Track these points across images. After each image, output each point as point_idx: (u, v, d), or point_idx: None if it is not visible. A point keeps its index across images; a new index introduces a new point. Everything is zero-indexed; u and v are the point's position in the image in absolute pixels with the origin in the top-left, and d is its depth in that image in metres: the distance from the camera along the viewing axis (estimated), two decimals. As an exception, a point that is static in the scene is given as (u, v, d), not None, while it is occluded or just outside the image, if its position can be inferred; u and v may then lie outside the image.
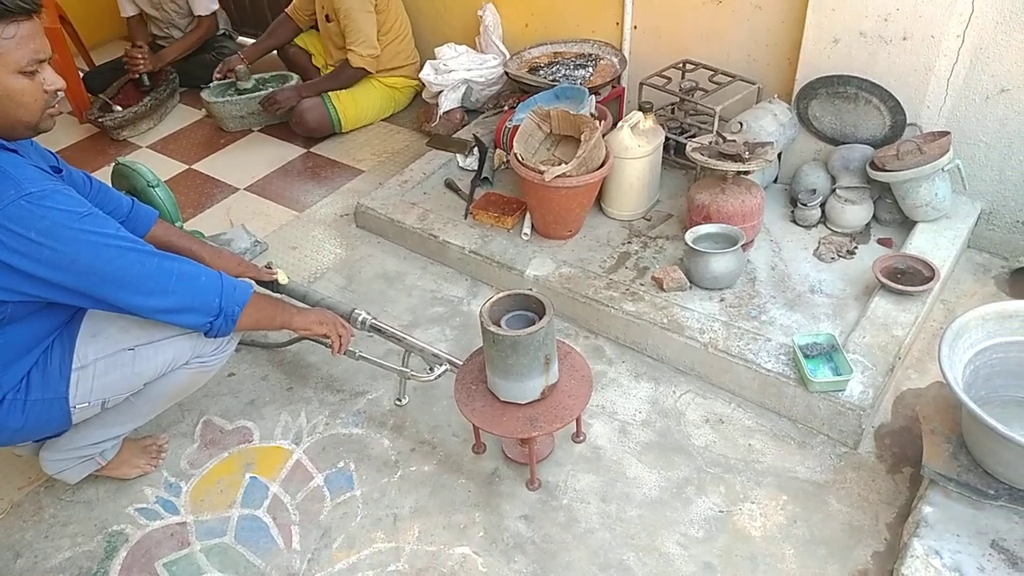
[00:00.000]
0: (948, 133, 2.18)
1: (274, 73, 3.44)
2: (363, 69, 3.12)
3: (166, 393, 1.70)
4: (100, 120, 3.35)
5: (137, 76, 3.50)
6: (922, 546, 1.48)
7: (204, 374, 1.71)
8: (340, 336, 1.79)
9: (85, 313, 1.60)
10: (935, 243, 2.20)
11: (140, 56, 3.44)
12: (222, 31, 3.84)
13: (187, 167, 3.22)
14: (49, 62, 1.41)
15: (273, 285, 2.09)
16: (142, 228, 1.83)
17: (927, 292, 2.02)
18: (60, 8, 3.60)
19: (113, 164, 2.43)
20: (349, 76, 3.18)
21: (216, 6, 3.62)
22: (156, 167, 2.48)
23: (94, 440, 1.73)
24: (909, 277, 2.05)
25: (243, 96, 3.34)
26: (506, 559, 1.64)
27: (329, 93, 3.19)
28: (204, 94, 3.37)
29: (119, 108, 3.41)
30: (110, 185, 2.45)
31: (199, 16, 3.59)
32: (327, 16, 3.13)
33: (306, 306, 1.96)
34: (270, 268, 2.11)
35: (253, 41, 3.54)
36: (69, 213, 1.37)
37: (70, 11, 3.72)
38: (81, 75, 3.62)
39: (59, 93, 1.44)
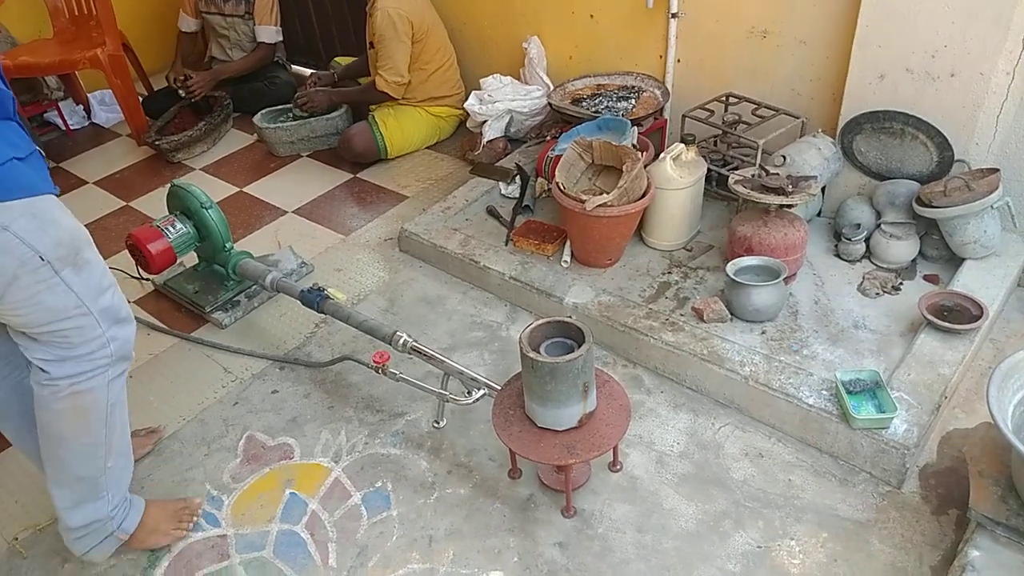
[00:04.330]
0: (997, 170, 2.15)
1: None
2: (386, 94, 3.22)
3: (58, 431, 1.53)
4: (156, 143, 3.50)
5: (193, 99, 3.66)
6: (969, 591, 1.44)
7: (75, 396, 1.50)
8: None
9: None
10: (983, 281, 2.16)
11: (194, 85, 3.62)
12: (276, 59, 3.98)
13: (238, 189, 3.33)
14: None
15: (318, 305, 2.14)
16: None
17: (975, 331, 1.98)
18: (124, 36, 3.78)
19: (169, 185, 2.53)
20: (373, 96, 3.31)
21: (280, 38, 3.81)
22: (209, 189, 2.57)
23: (85, 518, 1.64)
24: (956, 315, 2.02)
25: (294, 123, 3.46)
26: (540, 586, 1.64)
27: (376, 120, 3.29)
28: (256, 120, 3.50)
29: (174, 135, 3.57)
30: (166, 205, 2.57)
31: (261, 42, 3.76)
32: (370, 43, 3.23)
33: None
34: (321, 289, 2.17)
35: (308, 71, 3.70)
36: None
37: (131, 38, 3.91)
38: (140, 99, 3.79)
39: None
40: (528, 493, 1.85)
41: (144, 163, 3.63)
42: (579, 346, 1.60)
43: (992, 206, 2.12)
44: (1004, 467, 1.59)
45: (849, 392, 1.85)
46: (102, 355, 1.51)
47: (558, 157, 2.46)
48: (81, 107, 4.12)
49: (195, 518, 1.84)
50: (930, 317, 1.99)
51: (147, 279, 2.69)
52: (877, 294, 2.22)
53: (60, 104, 3.99)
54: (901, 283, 2.25)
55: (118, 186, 3.45)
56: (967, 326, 1.96)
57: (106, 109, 4.12)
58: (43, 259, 1.36)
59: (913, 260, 2.32)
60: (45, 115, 4.00)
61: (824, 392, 1.88)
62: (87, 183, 3.49)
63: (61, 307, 1.42)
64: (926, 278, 2.29)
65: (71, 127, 4.01)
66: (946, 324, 1.97)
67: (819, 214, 2.57)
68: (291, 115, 3.50)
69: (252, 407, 2.16)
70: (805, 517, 1.74)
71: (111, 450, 1.61)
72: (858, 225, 2.35)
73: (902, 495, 1.77)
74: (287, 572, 1.72)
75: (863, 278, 2.28)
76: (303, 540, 1.78)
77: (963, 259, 2.24)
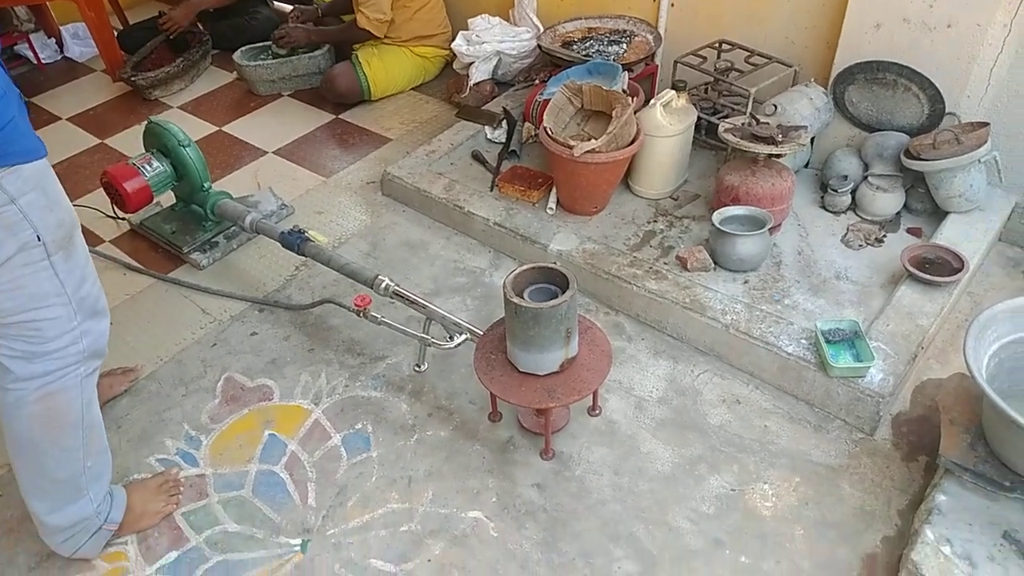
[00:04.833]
0: (987, 124, 2.13)
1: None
2: (368, 31, 3.13)
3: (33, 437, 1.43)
4: (133, 79, 3.39)
5: (171, 36, 3.55)
6: (933, 533, 1.48)
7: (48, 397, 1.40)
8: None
9: None
10: (966, 235, 2.16)
11: (167, 22, 3.53)
12: (258, -6, 3.85)
13: (217, 128, 3.24)
14: None
15: (298, 247, 2.11)
16: None
17: (955, 283, 2.00)
18: (98, -34, 3.63)
19: (145, 123, 2.46)
20: (354, 35, 3.23)
21: None
22: (187, 127, 2.50)
23: (69, 519, 1.53)
24: (937, 267, 2.03)
25: (275, 61, 3.36)
26: (517, 525, 1.67)
27: (360, 60, 3.20)
28: (236, 57, 3.40)
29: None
30: (142, 142, 2.50)
31: None
32: None
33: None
34: (301, 231, 2.13)
35: (289, 7, 3.58)
36: None
37: (107, -30, 3.75)
38: (115, 33, 3.66)
39: None
40: (508, 436, 1.86)
41: (119, 100, 3.52)
42: (563, 292, 1.59)
43: (980, 160, 2.11)
44: (975, 416, 1.62)
45: (828, 341, 1.86)
46: (74, 351, 1.39)
47: (546, 101, 2.41)
48: (53, 40, 3.97)
49: (181, 487, 1.76)
50: (912, 269, 1.99)
51: (123, 218, 2.64)
52: (860, 246, 2.23)
53: (31, 36, 3.84)
54: (884, 235, 2.26)
55: (92, 123, 3.35)
56: (947, 279, 1.98)
57: (79, 43, 3.97)
58: (39, 239, 1.26)
59: (898, 213, 2.32)
60: (15, 47, 3.85)
61: (803, 341, 1.89)
62: (60, 119, 3.39)
63: (42, 294, 1.31)
64: (909, 231, 2.29)
65: (43, 61, 3.86)
66: (927, 276, 1.98)
67: (807, 165, 2.55)
68: (271, 53, 3.40)
69: (231, 348, 2.14)
70: (779, 462, 1.77)
71: (90, 450, 1.51)
72: (845, 177, 2.34)
73: (874, 442, 1.80)
74: (266, 511, 1.73)
75: (847, 230, 2.28)
76: (282, 480, 1.79)
77: (947, 213, 2.24)
